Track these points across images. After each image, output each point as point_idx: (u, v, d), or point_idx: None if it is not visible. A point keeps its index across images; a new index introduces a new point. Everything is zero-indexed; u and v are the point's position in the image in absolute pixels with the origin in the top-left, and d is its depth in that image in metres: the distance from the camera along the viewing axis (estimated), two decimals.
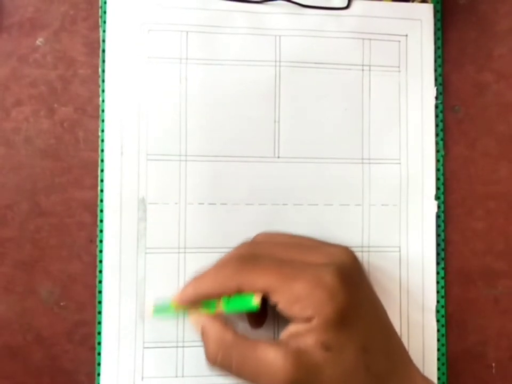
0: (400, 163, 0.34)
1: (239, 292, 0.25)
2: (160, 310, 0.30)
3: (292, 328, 0.24)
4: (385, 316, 0.27)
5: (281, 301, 0.24)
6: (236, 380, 0.25)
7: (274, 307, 0.25)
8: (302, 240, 0.30)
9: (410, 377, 0.26)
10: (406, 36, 0.34)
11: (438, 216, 0.34)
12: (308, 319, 0.23)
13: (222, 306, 0.26)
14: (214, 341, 0.25)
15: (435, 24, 0.34)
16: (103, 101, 0.32)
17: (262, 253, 0.27)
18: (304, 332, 0.23)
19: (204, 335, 0.26)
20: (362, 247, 0.33)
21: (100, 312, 0.31)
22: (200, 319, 0.26)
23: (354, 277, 0.26)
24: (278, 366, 0.23)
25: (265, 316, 0.30)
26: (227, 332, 0.25)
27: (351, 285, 0.24)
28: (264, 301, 0.25)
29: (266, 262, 0.25)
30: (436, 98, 0.34)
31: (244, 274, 0.25)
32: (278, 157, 0.33)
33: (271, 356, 0.23)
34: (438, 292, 0.34)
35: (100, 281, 0.31)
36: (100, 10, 0.32)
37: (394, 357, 0.26)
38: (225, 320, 0.26)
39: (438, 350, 0.33)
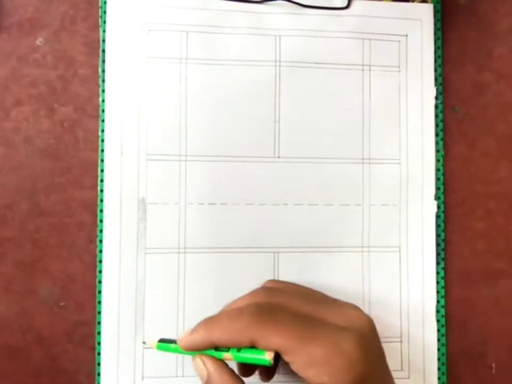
0: (400, 163, 0.34)
1: (251, 345, 0.23)
2: (164, 346, 0.27)
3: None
4: (389, 377, 0.26)
5: (297, 362, 0.23)
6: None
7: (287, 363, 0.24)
8: (314, 293, 0.29)
9: None
10: (406, 35, 0.34)
11: (438, 216, 0.34)
12: (328, 363, 0.22)
13: (232, 355, 0.24)
14: None
15: (435, 24, 0.34)
16: (103, 100, 0.32)
17: (278, 304, 0.25)
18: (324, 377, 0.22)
19: (208, 380, 0.24)
20: (362, 247, 0.33)
21: (99, 312, 0.31)
22: (206, 363, 0.24)
23: (372, 345, 0.25)
24: None
25: (275, 368, 0.29)
26: (236, 379, 0.24)
27: (370, 353, 0.23)
28: (277, 355, 0.24)
29: (283, 317, 0.24)
30: (436, 98, 0.34)
31: (259, 328, 0.23)
32: (278, 157, 0.33)
33: None
34: (438, 292, 0.34)
35: (100, 281, 0.31)
36: (99, 10, 0.32)
37: None
38: (232, 371, 0.24)
39: (438, 350, 0.33)
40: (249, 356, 0.24)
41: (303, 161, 0.33)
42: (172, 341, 0.26)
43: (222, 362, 0.25)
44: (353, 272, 0.33)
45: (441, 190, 0.34)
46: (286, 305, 0.25)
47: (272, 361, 0.23)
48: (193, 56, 0.33)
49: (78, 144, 0.32)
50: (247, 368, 0.28)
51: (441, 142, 0.34)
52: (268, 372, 0.29)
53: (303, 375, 0.23)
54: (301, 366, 0.23)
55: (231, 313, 0.25)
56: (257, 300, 0.25)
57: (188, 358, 0.32)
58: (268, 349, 0.23)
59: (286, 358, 0.23)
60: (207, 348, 0.25)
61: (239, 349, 0.24)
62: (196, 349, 0.25)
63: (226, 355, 0.24)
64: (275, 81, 0.33)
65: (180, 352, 0.26)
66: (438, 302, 0.33)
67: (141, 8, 0.32)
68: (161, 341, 0.27)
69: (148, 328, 0.32)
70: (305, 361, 0.22)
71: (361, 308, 0.28)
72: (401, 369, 0.33)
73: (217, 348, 0.25)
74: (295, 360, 0.23)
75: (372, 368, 0.23)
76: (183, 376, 0.32)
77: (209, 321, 0.25)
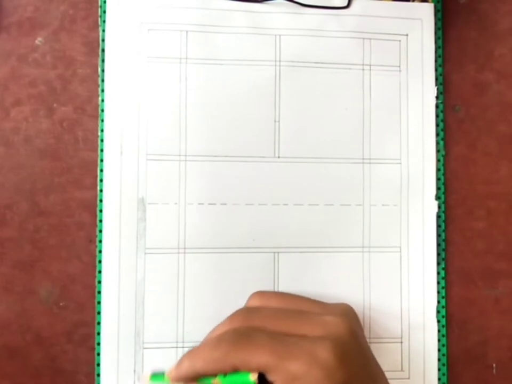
0: (400, 163, 0.34)
1: (234, 370, 0.24)
2: (157, 378, 0.28)
3: None
4: (379, 374, 0.27)
5: (278, 380, 0.23)
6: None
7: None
8: (297, 302, 0.29)
9: None
10: (407, 35, 0.34)
11: (438, 216, 0.34)
12: (308, 376, 0.23)
13: (219, 380, 0.25)
14: None
15: (435, 24, 0.34)
16: (102, 100, 0.32)
17: (255, 326, 0.26)
18: None
19: None
20: (363, 247, 0.33)
21: (99, 313, 0.31)
22: None
23: (352, 351, 0.25)
24: None
25: None
26: None
27: (348, 360, 0.24)
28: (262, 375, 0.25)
29: (260, 338, 0.24)
30: (437, 97, 0.34)
31: (238, 353, 0.24)
32: (278, 157, 0.33)
33: None
34: (438, 292, 0.33)
35: (99, 282, 0.31)
36: (99, 9, 0.32)
37: None
38: None
39: (439, 350, 0.33)
40: (235, 380, 0.25)
41: (303, 161, 0.33)
42: (163, 374, 0.28)
43: None
44: (354, 272, 0.33)
45: (442, 190, 0.34)
46: (262, 327, 0.26)
47: (256, 381, 0.24)
48: (193, 56, 0.33)
49: (78, 144, 0.32)
50: None
51: (441, 142, 0.34)
52: None
53: None
54: (283, 383, 0.23)
55: (211, 342, 0.26)
56: (235, 326, 0.26)
57: None
58: (250, 371, 0.24)
59: (269, 377, 0.24)
60: (194, 378, 0.26)
61: (225, 375, 0.25)
62: (185, 380, 0.26)
63: (214, 381, 0.25)
64: (275, 81, 0.33)
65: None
66: (438, 302, 0.33)
67: (141, 7, 0.32)
68: (154, 375, 0.28)
69: (148, 328, 0.32)
70: (285, 378, 0.23)
71: (361, 307, 0.28)
72: (402, 370, 0.33)
73: (204, 380, 0.26)
74: (277, 378, 0.23)
75: (352, 374, 0.24)
76: None
77: (192, 353, 0.26)
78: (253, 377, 0.24)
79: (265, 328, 0.25)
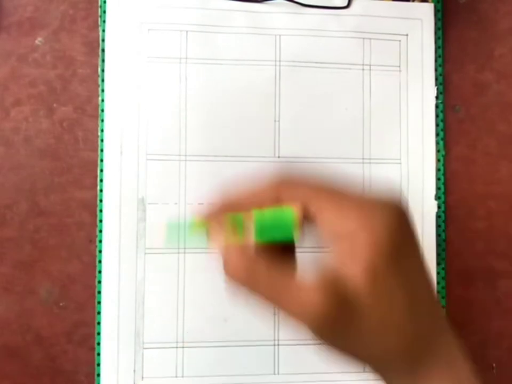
0: (400, 163, 0.34)
1: (276, 203, 0.20)
2: (174, 227, 0.23)
3: (331, 255, 0.19)
4: (428, 271, 0.22)
5: (326, 212, 0.19)
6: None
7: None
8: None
9: (450, 338, 0.23)
10: (407, 35, 0.34)
11: (438, 216, 0.34)
12: (353, 236, 0.19)
13: (253, 230, 0.20)
14: (239, 251, 0.20)
15: (435, 24, 0.34)
16: (102, 100, 0.32)
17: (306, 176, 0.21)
18: (345, 256, 0.19)
19: (225, 247, 0.21)
20: None
21: (99, 313, 0.31)
22: (224, 227, 0.21)
23: (410, 224, 0.21)
24: (313, 304, 0.18)
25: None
26: (253, 247, 0.20)
27: (407, 226, 0.20)
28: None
29: (314, 181, 0.20)
30: (437, 97, 0.34)
31: (285, 182, 0.20)
32: (278, 157, 0.33)
33: (306, 293, 0.19)
34: (438, 292, 0.33)
35: (99, 282, 0.31)
36: (99, 9, 0.32)
37: (439, 324, 0.22)
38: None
39: None
40: (274, 215, 0.20)
41: (303, 161, 0.33)
42: (181, 223, 0.23)
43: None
44: None
45: (442, 190, 0.34)
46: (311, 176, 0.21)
47: (300, 221, 0.19)
48: (193, 56, 0.33)
49: (78, 144, 0.32)
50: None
51: (441, 142, 0.34)
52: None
53: (331, 228, 0.19)
54: (329, 215, 0.19)
55: (252, 185, 0.22)
56: (283, 171, 0.22)
57: (187, 359, 0.32)
58: (294, 203, 0.20)
59: (313, 210, 0.20)
60: (227, 210, 0.21)
61: (262, 218, 0.20)
62: (216, 213, 0.21)
63: (246, 235, 0.20)
64: (275, 81, 0.33)
65: (192, 233, 0.22)
66: None
67: (141, 7, 0.32)
68: (170, 224, 0.23)
69: (148, 328, 0.32)
70: (334, 208, 0.19)
71: None
72: None
73: (236, 222, 0.21)
74: (324, 210, 0.19)
75: (410, 244, 0.20)
76: (182, 376, 0.32)
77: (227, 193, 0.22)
78: (296, 209, 0.19)
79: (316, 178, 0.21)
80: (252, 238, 0.20)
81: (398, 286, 0.19)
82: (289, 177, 0.21)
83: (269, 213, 0.20)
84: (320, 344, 0.20)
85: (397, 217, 0.20)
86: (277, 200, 0.20)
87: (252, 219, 0.20)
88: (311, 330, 0.19)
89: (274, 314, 0.32)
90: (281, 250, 0.22)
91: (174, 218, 0.25)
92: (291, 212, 0.20)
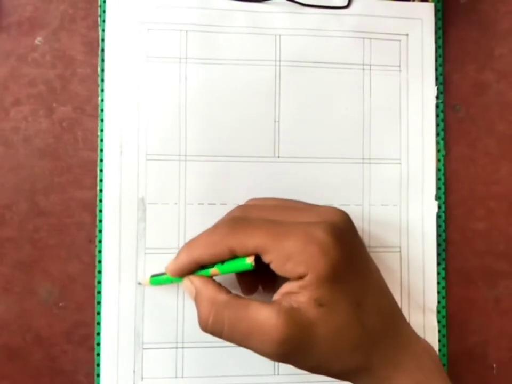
0: (400, 163, 0.34)
1: (231, 254, 0.24)
2: (157, 280, 0.29)
3: (284, 288, 0.24)
4: (378, 274, 0.27)
5: (274, 260, 0.23)
6: (228, 342, 0.24)
7: (265, 272, 0.25)
8: (293, 203, 0.29)
9: (403, 334, 0.26)
10: (407, 35, 0.34)
11: (438, 216, 0.34)
12: (301, 276, 0.23)
13: (217, 268, 0.25)
14: (207, 301, 0.25)
15: (436, 23, 0.34)
16: (102, 100, 0.32)
17: (253, 215, 0.26)
18: (297, 290, 0.23)
19: (197, 297, 0.25)
20: None
21: (99, 313, 0.31)
22: (194, 282, 0.26)
23: (347, 235, 0.25)
24: (270, 325, 0.22)
25: (257, 283, 0.30)
26: (220, 292, 0.25)
27: (343, 241, 0.24)
28: (256, 265, 0.24)
29: (257, 222, 0.25)
30: (437, 97, 0.34)
31: (235, 236, 0.24)
32: (278, 157, 0.33)
33: (263, 314, 0.23)
34: (438, 292, 0.33)
35: (99, 282, 0.31)
36: (99, 9, 0.32)
37: (388, 314, 0.25)
38: (218, 283, 0.26)
39: (439, 350, 0.33)
40: (232, 265, 0.25)
41: (303, 161, 0.33)
42: (163, 274, 0.28)
43: (209, 278, 0.26)
44: None
45: (442, 190, 0.34)
46: (260, 215, 0.26)
47: (253, 264, 0.24)
48: (193, 56, 0.33)
49: (77, 143, 0.32)
50: (247, 286, 0.29)
51: (442, 142, 0.34)
52: (249, 286, 0.30)
53: (282, 272, 0.23)
54: (278, 263, 0.23)
55: (208, 230, 0.26)
56: (233, 215, 0.27)
57: (187, 360, 0.32)
58: (247, 254, 0.24)
59: (265, 258, 0.24)
60: (192, 269, 0.26)
61: (222, 262, 0.25)
62: (182, 272, 0.26)
63: (212, 271, 0.25)
64: (275, 80, 0.33)
65: (172, 281, 0.28)
66: (438, 302, 0.33)
67: (140, 7, 0.32)
68: (153, 276, 0.30)
69: (148, 328, 0.32)
70: (281, 257, 0.23)
71: None
72: None
73: (203, 267, 0.26)
74: (272, 258, 0.23)
75: (346, 253, 0.24)
76: (182, 377, 0.32)
77: (189, 243, 0.26)
78: (250, 259, 0.24)
79: (262, 217, 0.26)
80: (218, 274, 0.25)
81: (341, 305, 0.23)
82: (237, 225, 0.25)
83: (229, 264, 0.25)
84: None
85: (333, 247, 0.23)
86: (231, 251, 0.24)
87: (216, 268, 0.25)
88: (277, 357, 0.24)
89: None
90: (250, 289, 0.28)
91: (156, 275, 0.30)
92: (247, 263, 0.24)
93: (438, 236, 0.34)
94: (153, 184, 0.32)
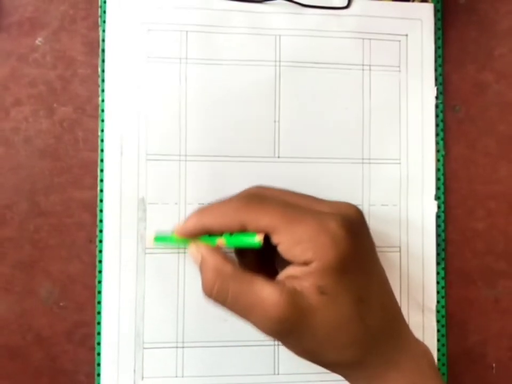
0: (400, 163, 0.34)
1: (242, 229, 0.24)
2: (161, 239, 0.29)
3: (290, 270, 0.24)
4: (383, 272, 0.27)
5: (283, 242, 0.23)
6: (228, 313, 0.24)
7: (265, 256, 0.25)
8: (304, 194, 0.29)
9: (403, 335, 0.26)
10: (406, 35, 0.34)
11: (438, 216, 0.34)
12: (307, 262, 0.23)
13: (224, 239, 0.25)
14: (213, 271, 0.24)
15: (435, 24, 0.34)
16: (102, 100, 0.32)
17: (269, 195, 0.26)
18: (301, 274, 0.23)
19: (202, 265, 0.25)
20: None
21: (99, 313, 0.31)
22: (200, 249, 0.25)
23: (358, 230, 0.25)
24: (272, 302, 0.23)
25: (255, 265, 0.29)
26: (227, 263, 0.24)
27: (354, 236, 0.24)
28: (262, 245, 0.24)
29: (272, 202, 0.25)
30: (436, 98, 0.34)
31: (249, 211, 0.24)
32: (278, 157, 0.33)
33: (266, 291, 0.23)
34: (438, 292, 0.34)
35: (100, 282, 0.31)
36: (99, 9, 0.32)
37: (389, 313, 0.25)
38: (225, 254, 0.25)
39: (438, 350, 0.33)
40: (240, 239, 0.24)
41: (303, 161, 0.33)
42: (168, 235, 0.28)
43: (215, 247, 0.25)
44: None
45: (442, 190, 0.34)
46: (277, 195, 0.26)
47: (261, 242, 0.24)
48: (193, 56, 0.33)
49: (78, 144, 0.32)
50: (247, 266, 0.28)
51: (441, 142, 0.34)
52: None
53: (290, 254, 0.23)
54: (287, 245, 0.23)
55: (222, 201, 0.26)
56: (249, 191, 0.27)
57: (188, 359, 0.32)
58: (257, 231, 0.24)
59: (274, 239, 0.24)
60: (200, 234, 0.26)
61: (231, 234, 0.25)
62: (189, 235, 0.26)
63: (219, 241, 0.25)
64: (275, 81, 0.33)
65: (176, 243, 0.28)
66: (438, 302, 0.33)
67: (141, 7, 0.32)
68: (158, 236, 0.29)
69: (148, 328, 0.32)
70: (291, 240, 0.23)
71: None
72: None
73: (210, 235, 0.25)
74: (282, 240, 0.23)
75: (355, 247, 0.24)
76: (183, 376, 0.32)
77: (201, 209, 0.26)
78: (259, 237, 0.24)
79: (277, 197, 0.25)
80: (223, 246, 0.25)
81: (344, 297, 0.23)
82: (251, 201, 0.25)
83: (237, 237, 0.24)
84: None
85: (344, 240, 0.23)
86: (242, 225, 0.24)
87: (223, 239, 0.25)
88: (274, 334, 0.24)
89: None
90: (256, 266, 0.27)
91: (161, 231, 0.29)
92: (256, 240, 0.24)
93: (438, 235, 0.34)
94: (154, 184, 0.32)
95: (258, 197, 0.25)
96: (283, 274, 0.24)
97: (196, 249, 0.26)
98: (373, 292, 0.25)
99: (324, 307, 0.23)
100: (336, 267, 0.23)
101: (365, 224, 0.26)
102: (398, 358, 0.25)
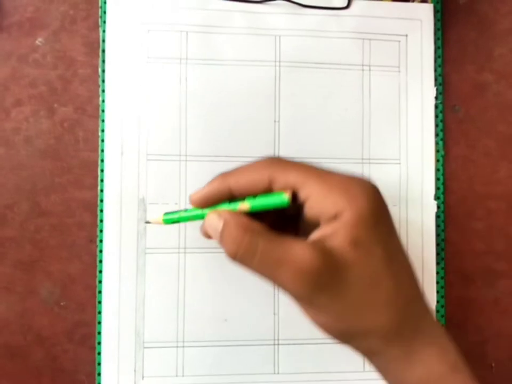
0: (400, 163, 0.34)
1: (269, 185, 0.23)
2: (171, 218, 0.26)
3: (319, 232, 0.22)
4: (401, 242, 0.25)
5: (313, 195, 0.22)
6: (254, 275, 0.22)
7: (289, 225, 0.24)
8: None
9: (428, 309, 0.24)
10: (406, 36, 0.34)
11: (437, 216, 0.34)
12: (338, 214, 0.21)
13: (247, 205, 0.23)
14: (240, 228, 0.22)
15: (435, 24, 0.34)
16: (103, 101, 0.32)
17: (291, 161, 0.24)
18: (332, 231, 0.22)
19: (225, 229, 0.23)
20: None
21: (100, 312, 0.31)
22: (222, 214, 0.23)
23: (381, 193, 0.24)
24: (304, 257, 0.21)
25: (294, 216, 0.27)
26: (252, 221, 0.23)
27: (380, 194, 0.23)
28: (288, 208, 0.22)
29: (298, 162, 0.23)
30: (436, 98, 0.34)
31: (277, 167, 0.23)
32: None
33: (298, 247, 0.21)
34: (437, 292, 0.34)
35: (100, 281, 0.31)
36: (99, 10, 0.32)
37: (416, 280, 0.24)
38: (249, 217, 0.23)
39: None
40: (267, 199, 0.23)
41: (303, 161, 0.33)
42: (179, 211, 0.25)
43: (238, 212, 0.23)
44: None
45: (441, 190, 0.34)
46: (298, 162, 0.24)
47: (290, 200, 0.22)
48: (193, 56, 0.33)
49: (78, 144, 0.32)
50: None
51: (441, 142, 0.34)
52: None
53: (319, 209, 0.22)
54: (316, 198, 0.22)
55: (247, 164, 0.24)
56: (274, 156, 0.25)
57: (188, 359, 0.32)
58: (285, 187, 0.22)
59: (302, 194, 0.22)
60: (221, 199, 0.24)
61: (254, 196, 0.23)
62: (208, 201, 0.24)
63: (241, 205, 0.23)
64: (275, 81, 0.33)
65: (188, 219, 0.25)
66: (437, 302, 0.33)
67: (141, 8, 0.32)
68: (167, 213, 0.26)
69: (148, 327, 0.32)
70: (321, 192, 0.22)
71: None
72: None
73: (230, 202, 0.24)
74: (311, 193, 0.22)
75: (385, 207, 0.23)
76: (183, 375, 0.32)
77: (223, 173, 0.24)
78: (287, 194, 0.22)
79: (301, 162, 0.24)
80: (247, 208, 0.23)
81: (377, 250, 0.22)
82: (279, 160, 0.23)
83: (262, 199, 0.23)
84: (307, 310, 0.23)
85: (373, 193, 0.22)
86: (271, 181, 0.23)
87: (247, 202, 0.23)
88: (305, 292, 0.22)
89: (275, 314, 0.32)
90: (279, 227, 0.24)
91: (170, 212, 0.26)
92: (284, 197, 0.22)
93: (437, 235, 0.34)
94: (154, 184, 0.32)
95: (283, 159, 0.24)
96: (311, 238, 0.22)
97: (216, 216, 0.23)
98: (400, 253, 0.23)
99: (358, 261, 0.21)
100: (369, 218, 0.22)
101: (385, 199, 0.24)
102: (433, 332, 0.23)
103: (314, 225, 0.23)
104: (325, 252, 0.21)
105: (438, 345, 0.23)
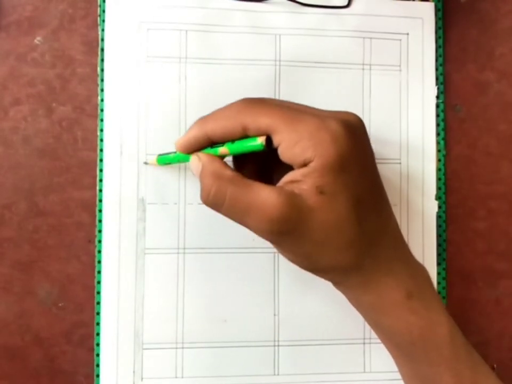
0: (400, 163, 0.34)
1: (243, 132, 0.24)
2: (163, 159, 0.29)
3: (289, 176, 0.24)
4: (380, 180, 0.27)
5: (284, 141, 0.23)
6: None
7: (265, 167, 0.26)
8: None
9: (400, 247, 0.26)
10: (407, 34, 0.34)
11: (439, 216, 0.34)
12: (307, 162, 0.23)
13: (227, 147, 0.25)
14: (212, 174, 0.24)
15: (436, 23, 0.34)
16: (102, 100, 0.32)
17: (269, 99, 0.26)
18: (301, 177, 0.23)
19: (202, 172, 0.25)
20: None
21: (98, 313, 0.31)
22: (201, 158, 0.25)
23: (358, 133, 0.25)
24: (270, 203, 0.23)
25: (256, 176, 0.28)
26: (226, 168, 0.25)
27: (354, 137, 0.24)
28: (263, 151, 0.24)
29: (272, 104, 0.25)
30: (437, 97, 0.34)
31: (250, 112, 0.24)
32: None
33: (265, 193, 0.23)
34: (439, 292, 0.33)
35: (99, 282, 0.31)
36: (98, 9, 0.32)
37: (385, 220, 0.26)
38: (225, 162, 0.25)
39: None
40: (243, 144, 0.24)
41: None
42: (170, 153, 0.28)
43: (216, 156, 0.25)
44: None
45: (442, 190, 0.34)
46: (275, 101, 0.26)
47: (264, 144, 0.23)
48: (193, 55, 0.32)
49: (77, 143, 0.32)
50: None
51: (442, 142, 0.34)
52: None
53: (289, 155, 0.23)
54: (287, 144, 0.23)
55: (221, 108, 0.26)
56: (248, 97, 0.26)
57: (187, 360, 0.32)
58: (259, 132, 0.24)
59: (275, 139, 0.23)
60: (202, 145, 0.26)
61: (233, 141, 0.25)
62: (191, 147, 0.26)
63: (221, 150, 0.25)
64: (275, 80, 0.33)
65: (178, 160, 0.28)
66: None
67: (140, 6, 0.32)
68: (160, 155, 0.29)
69: (147, 328, 0.31)
70: (291, 139, 0.23)
71: None
72: None
73: (212, 146, 0.26)
74: (283, 139, 0.23)
75: (355, 150, 0.24)
76: (182, 377, 0.32)
77: (201, 118, 0.26)
78: (261, 139, 0.24)
79: (276, 100, 0.26)
80: (226, 154, 0.25)
81: (341, 197, 0.23)
82: (251, 104, 0.25)
83: (239, 144, 0.25)
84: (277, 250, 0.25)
85: (343, 138, 0.23)
86: (244, 127, 0.24)
87: (225, 147, 0.25)
88: (272, 235, 0.24)
89: (275, 315, 0.32)
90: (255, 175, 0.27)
91: (163, 154, 0.30)
92: (258, 142, 0.24)
93: (438, 235, 0.34)
94: (153, 184, 0.32)
95: (258, 100, 0.25)
96: (282, 181, 0.24)
97: (197, 159, 0.25)
98: (370, 195, 0.25)
99: (322, 207, 0.23)
100: (335, 165, 0.23)
101: (365, 131, 0.26)
102: (393, 266, 0.25)
103: (291, 168, 0.24)
104: (291, 197, 0.23)
105: (396, 277, 0.25)
